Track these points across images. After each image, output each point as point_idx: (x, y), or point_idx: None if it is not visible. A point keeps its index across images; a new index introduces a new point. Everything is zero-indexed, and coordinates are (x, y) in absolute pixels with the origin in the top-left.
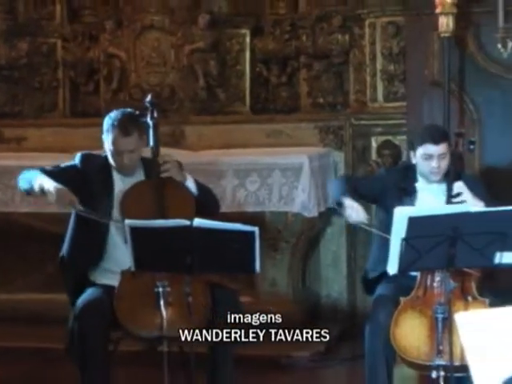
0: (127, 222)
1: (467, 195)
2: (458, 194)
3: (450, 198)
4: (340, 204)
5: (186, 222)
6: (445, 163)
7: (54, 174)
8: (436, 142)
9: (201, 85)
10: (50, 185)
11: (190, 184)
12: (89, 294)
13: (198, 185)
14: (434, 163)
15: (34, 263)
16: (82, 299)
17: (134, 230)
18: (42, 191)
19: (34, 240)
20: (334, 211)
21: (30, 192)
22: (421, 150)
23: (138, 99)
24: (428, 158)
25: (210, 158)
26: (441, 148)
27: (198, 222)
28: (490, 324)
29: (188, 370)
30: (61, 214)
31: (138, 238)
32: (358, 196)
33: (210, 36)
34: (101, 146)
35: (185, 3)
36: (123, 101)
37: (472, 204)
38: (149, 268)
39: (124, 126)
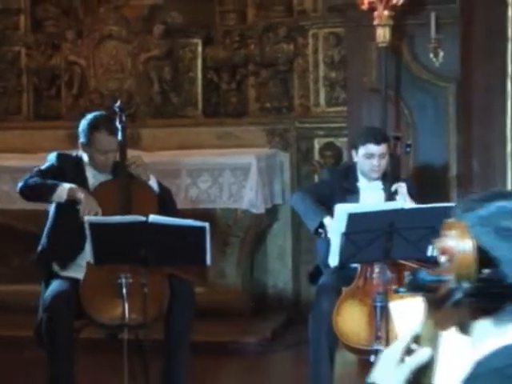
0: (86, 218)
1: (404, 194)
2: (396, 193)
3: (389, 196)
4: (323, 227)
5: (142, 218)
6: (384, 162)
7: (46, 176)
8: (378, 142)
9: (156, 90)
10: (80, 193)
11: (153, 183)
12: (56, 286)
13: (160, 184)
14: (375, 161)
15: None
16: (50, 291)
17: (93, 226)
18: (72, 198)
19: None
20: (317, 235)
21: (52, 200)
22: (363, 150)
23: (98, 104)
24: (369, 156)
25: (165, 159)
26: (381, 148)
27: (153, 218)
28: (420, 311)
29: (145, 356)
30: (26, 211)
31: (97, 233)
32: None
33: (165, 45)
34: (61, 146)
35: (141, 14)
36: (84, 105)
37: (408, 202)
38: (107, 261)
39: (110, 127)
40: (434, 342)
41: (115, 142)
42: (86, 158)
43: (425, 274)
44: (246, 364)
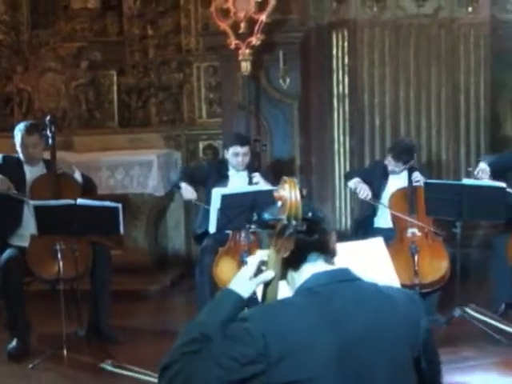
0: (31, 202)
1: (261, 180)
2: (254, 179)
3: (251, 181)
4: (178, 187)
5: (72, 201)
6: (247, 159)
7: None
8: (242, 144)
9: (83, 108)
10: None
11: (77, 175)
12: (9, 252)
13: (83, 176)
14: (239, 159)
15: None
16: (4, 256)
17: (37, 208)
18: None
19: None
20: (174, 191)
21: None
22: (231, 150)
23: (41, 118)
24: (236, 155)
25: (91, 158)
26: (245, 149)
27: (80, 201)
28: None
29: (77, 301)
30: None
31: (40, 213)
32: (192, 181)
33: (89, 75)
34: (12, 150)
35: (71, 53)
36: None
37: (264, 185)
38: (47, 233)
39: (28, 129)
40: (276, 265)
41: (33, 139)
42: (22, 157)
43: (266, 215)
44: (153, 306)
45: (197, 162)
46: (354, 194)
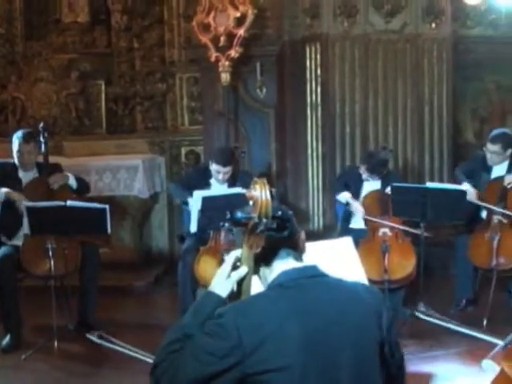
0: (24, 203)
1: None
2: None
3: (230, 186)
4: (187, 203)
5: (63, 203)
6: (227, 176)
7: None
8: (224, 165)
9: (73, 116)
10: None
11: (72, 181)
12: (3, 250)
13: (77, 178)
14: (220, 176)
15: None
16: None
17: (29, 209)
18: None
19: None
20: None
21: None
22: (214, 167)
23: (33, 125)
24: (218, 172)
25: (80, 162)
26: (227, 169)
27: (70, 202)
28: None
29: (67, 296)
30: None
31: (32, 214)
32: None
33: (79, 85)
34: (9, 155)
35: (62, 64)
36: (23, 127)
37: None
38: (39, 232)
39: (25, 138)
40: (249, 261)
41: (29, 147)
42: (17, 162)
43: (239, 214)
44: (137, 300)
45: (185, 171)
46: (345, 205)
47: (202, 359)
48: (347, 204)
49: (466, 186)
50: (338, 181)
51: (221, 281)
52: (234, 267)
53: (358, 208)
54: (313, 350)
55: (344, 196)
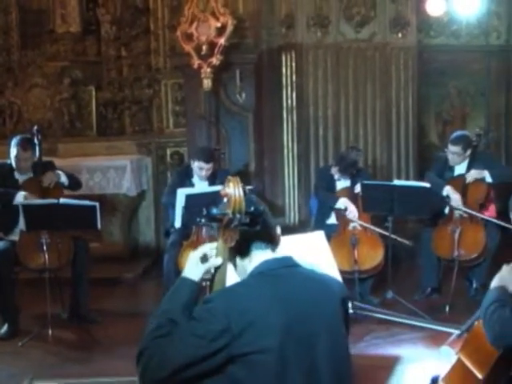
0: (19, 201)
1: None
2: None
3: (211, 184)
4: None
5: (56, 201)
6: (209, 172)
7: None
8: (206, 162)
9: (66, 120)
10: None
11: (63, 178)
12: (1, 245)
13: (68, 176)
14: (203, 173)
15: None
16: None
17: (24, 206)
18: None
19: None
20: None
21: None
22: (197, 163)
23: (28, 129)
24: (200, 169)
25: (73, 162)
26: (209, 165)
27: (63, 200)
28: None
29: (60, 288)
30: None
31: (27, 211)
32: None
33: (71, 91)
34: (6, 157)
35: (56, 71)
36: (20, 130)
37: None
38: (33, 228)
39: (24, 146)
40: (224, 253)
41: (26, 154)
42: (14, 165)
43: (214, 210)
44: (127, 291)
45: (172, 175)
46: (343, 210)
47: (193, 343)
48: (345, 209)
49: (449, 192)
50: (323, 189)
51: (191, 266)
52: (205, 258)
53: (353, 211)
54: (292, 334)
55: (343, 202)
